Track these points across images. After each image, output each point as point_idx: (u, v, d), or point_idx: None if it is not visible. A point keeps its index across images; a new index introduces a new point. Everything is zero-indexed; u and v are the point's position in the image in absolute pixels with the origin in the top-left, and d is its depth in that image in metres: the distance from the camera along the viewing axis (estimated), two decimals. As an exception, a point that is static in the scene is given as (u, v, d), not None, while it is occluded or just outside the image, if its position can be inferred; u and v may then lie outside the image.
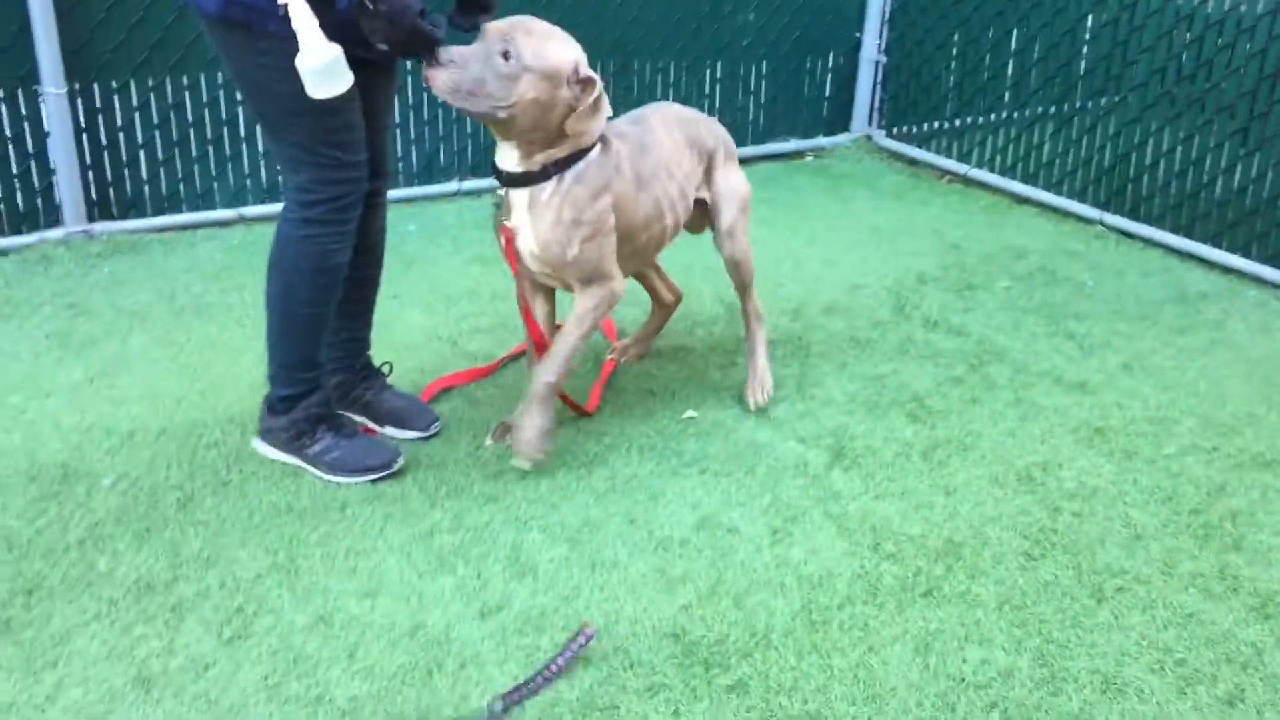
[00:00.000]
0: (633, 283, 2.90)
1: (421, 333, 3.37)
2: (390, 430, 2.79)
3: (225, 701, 1.98)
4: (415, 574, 2.32)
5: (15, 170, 3.78)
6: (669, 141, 2.76)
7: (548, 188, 2.47)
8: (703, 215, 2.95)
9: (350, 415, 2.78)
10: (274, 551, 2.36)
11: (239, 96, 2.43)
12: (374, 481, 2.59)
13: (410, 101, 4.34)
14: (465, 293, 3.66)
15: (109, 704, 1.97)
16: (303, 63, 2.17)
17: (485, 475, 2.65)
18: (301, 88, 2.19)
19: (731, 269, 2.98)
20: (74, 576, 2.25)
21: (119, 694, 1.99)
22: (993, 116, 4.95)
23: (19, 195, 3.82)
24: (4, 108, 3.70)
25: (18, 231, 3.84)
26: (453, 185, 4.50)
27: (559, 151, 2.46)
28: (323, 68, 2.17)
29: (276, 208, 2.96)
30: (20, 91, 3.71)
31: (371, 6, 2.16)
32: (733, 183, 2.94)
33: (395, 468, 2.62)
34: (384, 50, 2.25)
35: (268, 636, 2.13)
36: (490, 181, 2.60)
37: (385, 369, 2.90)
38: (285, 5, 2.14)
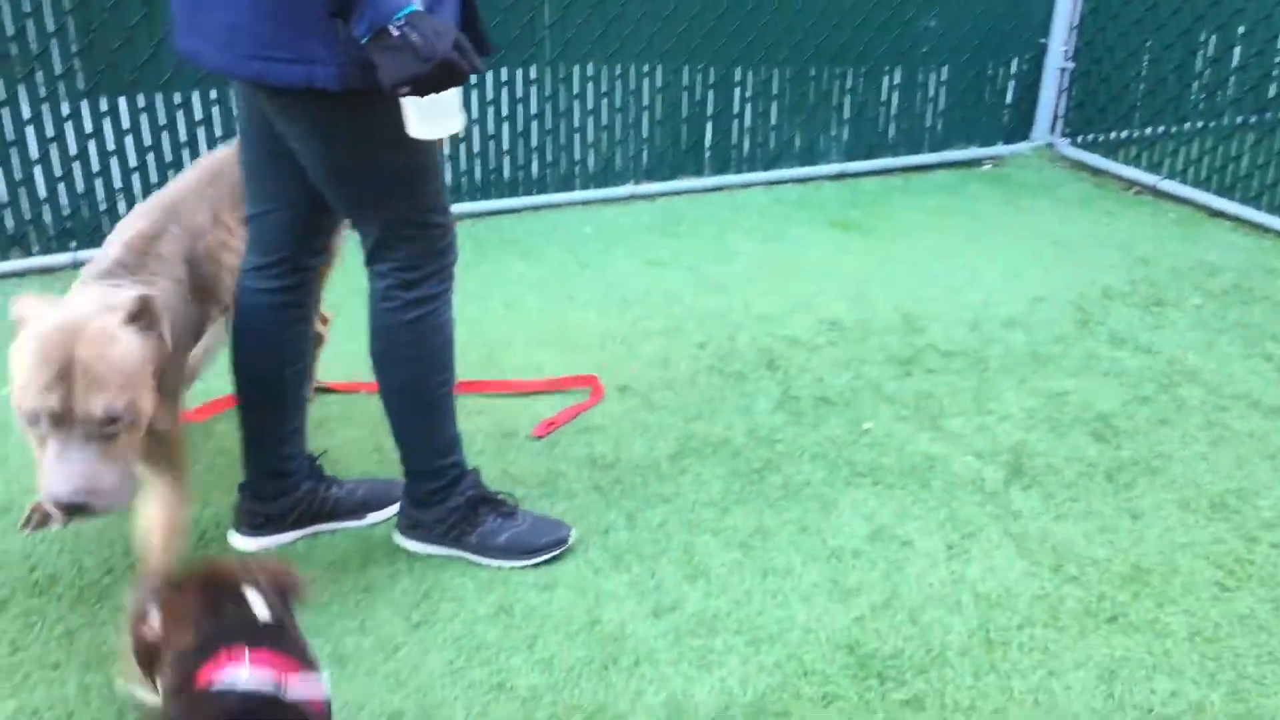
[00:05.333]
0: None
1: (596, 334, 3.43)
2: (373, 517, 2.50)
3: (414, 682, 2.07)
4: (591, 570, 2.37)
5: None
6: None
7: None
8: None
9: (329, 524, 2.48)
10: (457, 541, 2.44)
11: (327, 180, 2.09)
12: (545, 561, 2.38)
13: (589, 107, 4.43)
14: (640, 295, 3.71)
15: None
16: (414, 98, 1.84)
17: (659, 476, 2.69)
18: (413, 151, 1.97)
19: None
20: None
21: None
22: (1186, 125, 4.74)
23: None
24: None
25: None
26: (626, 189, 4.57)
27: None
28: (435, 102, 1.84)
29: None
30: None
31: (397, 33, 1.74)
32: None
33: (570, 541, 2.41)
34: (402, 92, 1.80)
35: (451, 623, 2.21)
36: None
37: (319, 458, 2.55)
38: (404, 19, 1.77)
